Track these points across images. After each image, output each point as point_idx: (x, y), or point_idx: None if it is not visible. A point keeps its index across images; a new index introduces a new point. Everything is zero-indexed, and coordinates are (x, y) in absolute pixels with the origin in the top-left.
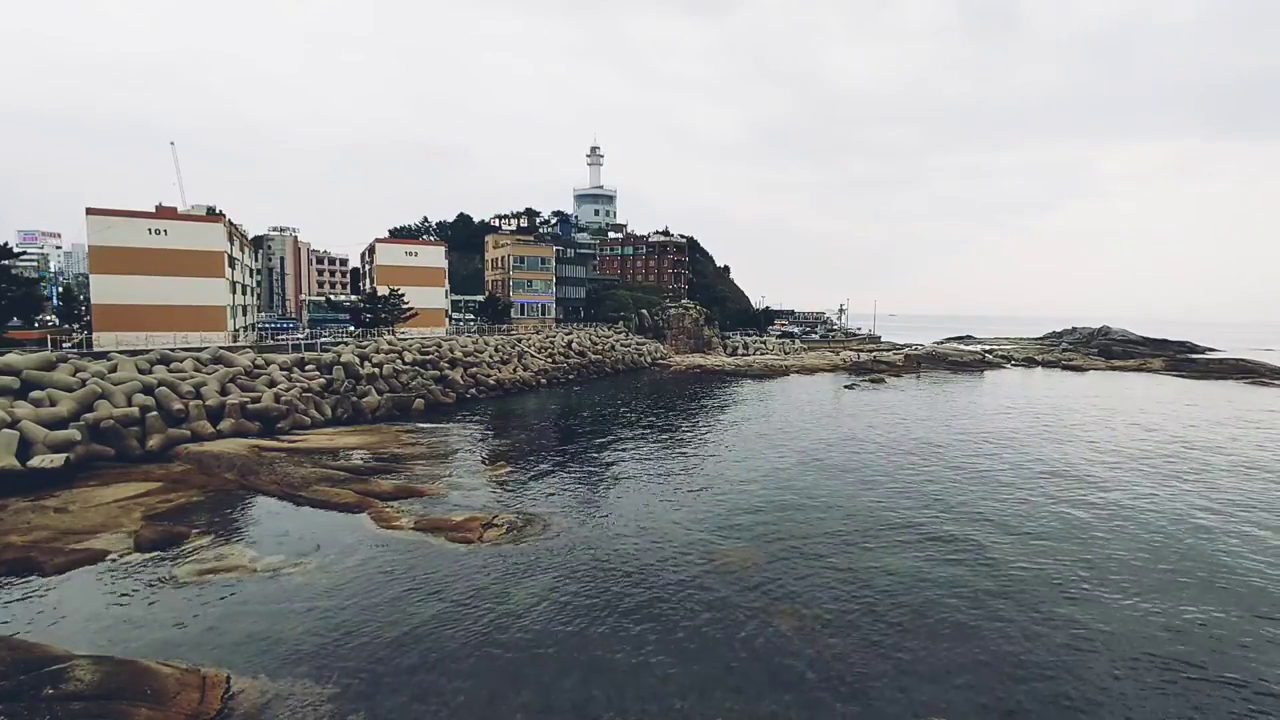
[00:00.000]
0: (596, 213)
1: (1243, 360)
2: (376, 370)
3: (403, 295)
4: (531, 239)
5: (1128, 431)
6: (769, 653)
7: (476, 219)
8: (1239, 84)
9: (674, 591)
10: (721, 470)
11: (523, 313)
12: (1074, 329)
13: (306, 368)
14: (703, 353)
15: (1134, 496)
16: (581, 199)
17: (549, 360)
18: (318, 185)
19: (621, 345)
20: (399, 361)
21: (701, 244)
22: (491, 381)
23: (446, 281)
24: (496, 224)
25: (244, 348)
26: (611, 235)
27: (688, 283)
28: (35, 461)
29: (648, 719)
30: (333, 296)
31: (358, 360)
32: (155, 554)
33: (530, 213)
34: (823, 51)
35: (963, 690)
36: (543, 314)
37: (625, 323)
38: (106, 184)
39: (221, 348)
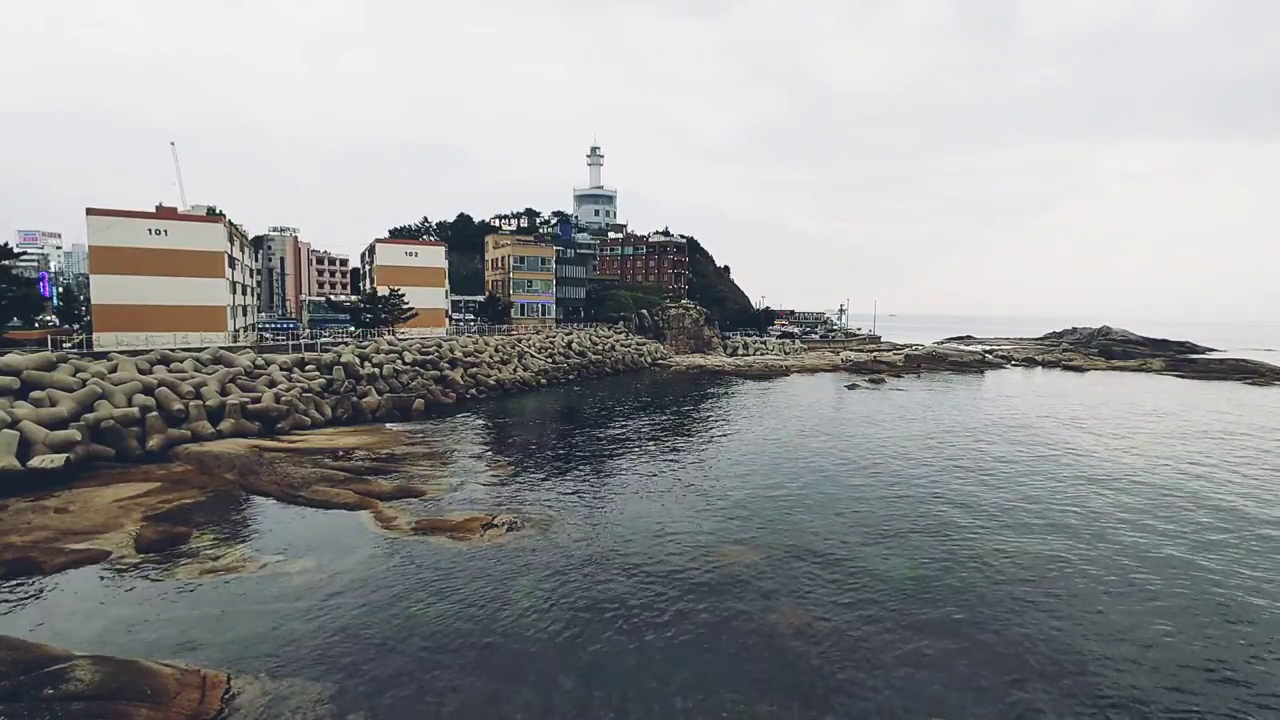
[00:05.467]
0: (596, 213)
1: (1243, 360)
2: (376, 370)
3: (403, 295)
4: (531, 239)
5: (1130, 431)
6: (770, 652)
7: (476, 219)
8: (1239, 84)
9: (674, 591)
10: (722, 470)
11: (523, 313)
12: (1074, 329)
13: (306, 368)
14: (703, 353)
15: (1137, 496)
16: (581, 199)
17: (549, 360)
18: (318, 185)
19: (621, 345)
20: (399, 362)
21: (701, 244)
22: (491, 381)
23: (446, 281)
24: (496, 224)
25: (244, 348)
26: (611, 235)
27: (688, 283)
28: (35, 462)
29: (648, 719)
30: (333, 297)
31: (358, 360)
32: (155, 554)
33: (530, 213)
34: (820, 52)
35: (964, 690)
36: (543, 314)
37: (625, 323)
38: (107, 184)
39: (221, 348)
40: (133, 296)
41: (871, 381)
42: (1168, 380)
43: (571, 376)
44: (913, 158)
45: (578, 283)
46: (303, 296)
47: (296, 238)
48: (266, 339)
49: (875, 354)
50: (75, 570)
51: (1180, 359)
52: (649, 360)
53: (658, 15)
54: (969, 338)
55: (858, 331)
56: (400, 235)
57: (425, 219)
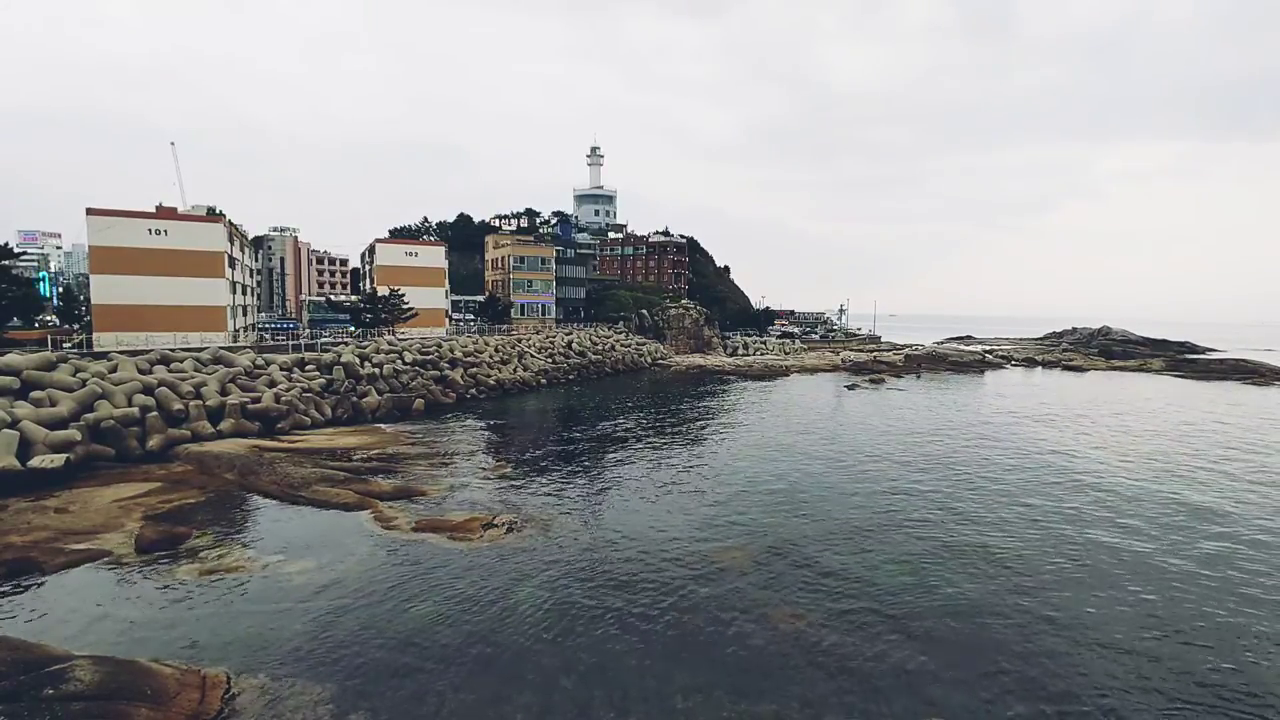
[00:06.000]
0: (596, 213)
1: (1243, 360)
2: (376, 370)
3: (403, 295)
4: (531, 239)
5: (1128, 431)
6: (770, 653)
7: (476, 219)
8: (1239, 84)
9: (675, 591)
10: (722, 470)
11: (523, 313)
12: (1074, 329)
13: (306, 368)
14: (703, 353)
15: (1134, 499)
16: (581, 199)
17: (549, 360)
18: (318, 185)
19: (621, 345)
20: (399, 362)
21: (701, 244)
22: (491, 381)
23: (446, 281)
24: (496, 224)
25: (244, 348)
26: (611, 235)
27: (688, 283)
28: (35, 462)
29: (648, 719)
30: (333, 297)
31: (358, 360)
32: (155, 554)
33: (530, 213)
34: (820, 52)
35: (963, 690)
36: (543, 314)
37: (625, 323)
38: (107, 184)
39: (221, 348)
40: (133, 296)
41: (871, 382)
42: (1167, 380)
43: (571, 376)
44: (913, 158)
45: (578, 283)
46: (303, 296)
47: (296, 238)
48: (266, 339)
49: (875, 354)
50: (75, 570)
51: (1180, 359)
52: (649, 360)
53: (658, 15)
54: (969, 338)
55: (858, 331)
56: (400, 235)
57: (425, 219)
